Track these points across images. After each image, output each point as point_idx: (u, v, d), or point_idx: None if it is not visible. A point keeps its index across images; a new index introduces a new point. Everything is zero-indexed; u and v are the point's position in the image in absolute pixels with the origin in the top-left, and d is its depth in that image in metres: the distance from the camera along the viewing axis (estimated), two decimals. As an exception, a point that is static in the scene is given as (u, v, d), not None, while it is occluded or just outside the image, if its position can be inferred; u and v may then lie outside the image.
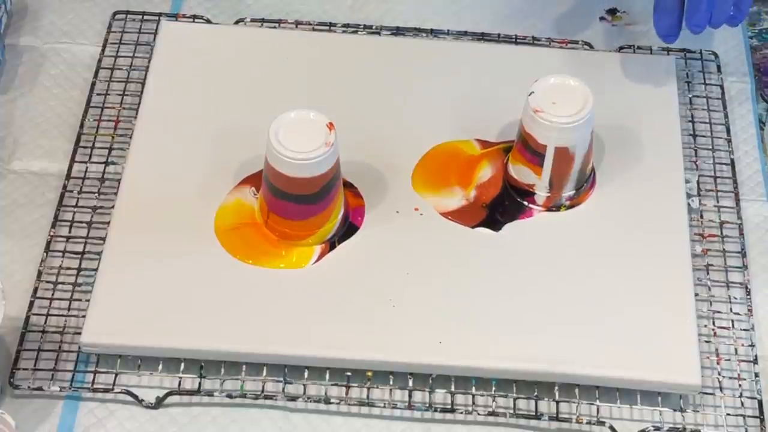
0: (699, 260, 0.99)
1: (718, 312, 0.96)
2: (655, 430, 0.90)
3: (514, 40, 1.11)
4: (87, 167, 1.02)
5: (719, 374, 0.93)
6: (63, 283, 0.96)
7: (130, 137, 1.02)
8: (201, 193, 0.99)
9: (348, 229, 0.97)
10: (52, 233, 0.98)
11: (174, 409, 0.91)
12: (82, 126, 1.05)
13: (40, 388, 0.91)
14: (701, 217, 1.01)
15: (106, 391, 0.91)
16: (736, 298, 0.97)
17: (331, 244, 0.97)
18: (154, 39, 1.09)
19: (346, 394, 0.92)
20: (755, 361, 0.94)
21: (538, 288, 0.95)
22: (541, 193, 0.99)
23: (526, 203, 0.99)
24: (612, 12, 1.16)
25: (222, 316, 0.92)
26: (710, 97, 1.09)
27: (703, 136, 1.06)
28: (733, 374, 0.93)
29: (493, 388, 0.92)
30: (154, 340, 0.91)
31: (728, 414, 0.91)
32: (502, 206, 1.00)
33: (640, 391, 0.92)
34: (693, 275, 0.96)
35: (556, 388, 0.92)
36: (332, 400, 0.91)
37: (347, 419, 0.91)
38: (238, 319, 0.92)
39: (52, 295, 0.95)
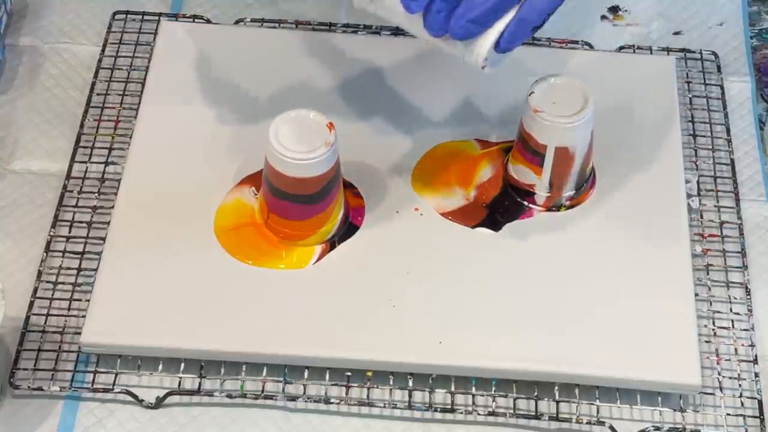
0: (699, 260, 0.98)
1: (718, 312, 0.96)
2: (655, 430, 0.90)
3: (514, 40, 1.11)
4: (87, 167, 1.02)
5: (719, 374, 0.93)
6: (63, 283, 0.96)
7: (130, 137, 1.02)
8: (201, 193, 0.99)
9: (348, 229, 0.97)
10: (52, 233, 0.98)
11: (174, 409, 0.91)
12: (82, 126, 1.05)
13: (40, 388, 0.91)
14: (701, 217, 1.01)
15: (106, 391, 0.91)
16: (736, 298, 0.97)
17: (331, 244, 0.96)
18: (154, 39, 1.09)
19: (346, 394, 0.91)
20: (755, 361, 0.94)
21: (538, 288, 0.94)
22: (541, 193, 0.99)
23: (526, 203, 0.99)
24: (614, 10, 1.16)
25: (222, 316, 0.92)
26: (710, 97, 1.09)
27: (703, 136, 1.06)
28: (733, 374, 0.93)
29: (493, 388, 0.92)
30: (154, 340, 0.91)
31: (728, 414, 0.91)
32: (502, 206, 0.99)
33: (640, 391, 0.92)
34: (693, 275, 0.96)
35: (556, 388, 0.92)
36: (332, 400, 0.91)
37: (347, 419, 0.91)
38: (238, 319, 0.92)
39: (52, 295, 0.95)
